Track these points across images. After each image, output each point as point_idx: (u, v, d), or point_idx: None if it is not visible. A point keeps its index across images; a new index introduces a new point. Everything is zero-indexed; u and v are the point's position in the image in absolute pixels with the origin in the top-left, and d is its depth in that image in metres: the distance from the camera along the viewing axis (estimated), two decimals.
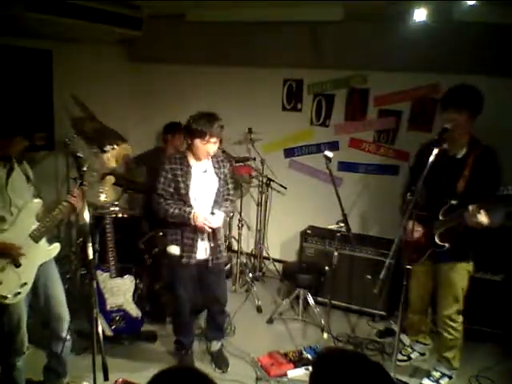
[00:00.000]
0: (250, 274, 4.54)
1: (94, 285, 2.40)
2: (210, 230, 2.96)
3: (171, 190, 2.95)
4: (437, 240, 2.89)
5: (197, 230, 2.96)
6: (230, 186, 3.16)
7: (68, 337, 2.68)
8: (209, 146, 2.89)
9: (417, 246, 2.94)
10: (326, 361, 1.35)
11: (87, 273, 3.72)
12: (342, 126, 4.59)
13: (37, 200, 2.54)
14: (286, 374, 3.17)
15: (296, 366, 3.21)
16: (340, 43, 4.13)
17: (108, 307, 3.28)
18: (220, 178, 3.04)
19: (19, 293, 2.43)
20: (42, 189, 2.71)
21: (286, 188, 4.71)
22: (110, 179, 2.85)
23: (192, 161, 2.98)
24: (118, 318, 3.31)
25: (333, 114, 4.60)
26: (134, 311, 3.37)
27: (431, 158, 2.63)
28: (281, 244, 4.99)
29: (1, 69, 3.84)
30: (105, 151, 2.88)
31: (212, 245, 3.03)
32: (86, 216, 2.40)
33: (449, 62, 3.76)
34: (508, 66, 3.57)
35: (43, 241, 2.55)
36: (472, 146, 2.85)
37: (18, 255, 2.40)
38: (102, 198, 2.86)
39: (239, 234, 4.55)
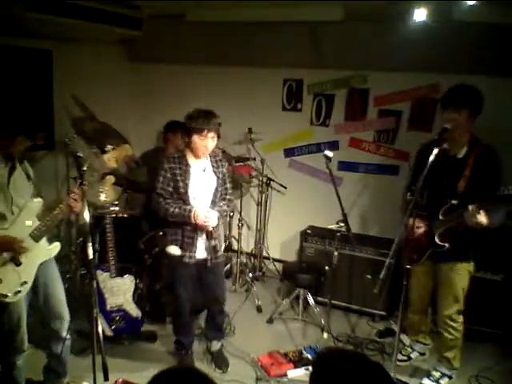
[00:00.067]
0: (250, 274, 4.54)
1: (94, 285, 2.39)
2: (210, 228, 2.96)
3: (170, 189, 2.95)
4: (437, 240, 2.89)
5: (197, 229, 2.96)
6: (229, 185, 3.16)
7: (68, 336, 2.68)
8: (207, 142, 2.90)
9: (417, 246, 2.94)
10: (326, 361, 1.35)
11: (87, 272, 3.72)
12: (342, 125, 4.59)
13: (37, 199, 2.54)
14: (286, 374, 3.17)
15: (296, 366, 3.21)
16: (340, 43, 4.13)
17: (108, 307, 3.28)
18: (218, 178, 3.05)
19: (19, 291, 2.43)
20: (42, 188, 2.71)
21: (286, 188, 4.72)
22: (110, 179, 2.86)
23: (191, 160, 2.99)
24: (118, 317, 3.31)
25: (333, 114, 4.60)
26: (134, 311, 3.37)
27: (431, 158, 2.63)
28: (281, 244, 4.99)
29: (1, 69, 3.84)
30: (105, 151, 2.88)
31: (211, 244, 3.03)
32: (86, 216, 2.40)
33: (449, 62, 3.76)
34: (508, 66, 3.57)
35: (43, 240, 2.55)
36: (472, 145, 2.85)
37: (21, 249, 2.41)
38: (102, 197, 2.86)
39: (239, 234, 4.55)
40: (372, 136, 4.48)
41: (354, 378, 1.25)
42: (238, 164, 4.62)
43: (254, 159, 4.71)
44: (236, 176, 4.48)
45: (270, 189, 4.73)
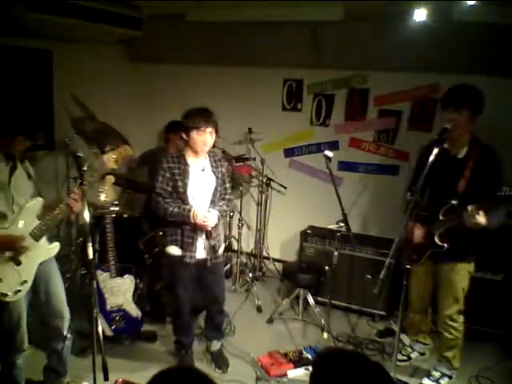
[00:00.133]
0: (250, 274, 4.54)
1: (94, 285, 2.40)
2: (209, 228, 2.96)
3: (169, 188, 2.95)
4: (437, 240, 2.89)
5: (196, 229, 2.96)
6: (228, 185, 3.16)
7: (68, 335, 2.69)
8: (206, 137, 2.90)
9: (417, 246, 2.94)
10: (326, 361, 1.35)
11: (87, 272, 3.72)
12: (342, 125, 4.59)
13: (38, 199, 2.55)
14: (286, 374, 3.17)
15: (296, 366, 3.21)
16: (340, 43, 4.13)
17: (108, 307, 3.28)
18: (217, 177, 3.05)
19: (19, 291, 2.43)
20: (42, 188, 2.72)
21: (286, 188, 4.72)
22: (110, 179, 2.85)
23: (190, 159, 2.99)
24: (118, 317, 3.31)
25: (333, 114, 4.60)
26: (134, 311, 3.37)
27: (431, 158, 2.63)
28: (281, 244, 4.99)
29: (1, 69, 3.84)
30: (104, 152, 2.88)
31: (210, 243, 3.03)
32: (86, 216, 2.40)
33: (449, 62, 3.76)
34: (508, 66, 3.57)
35: (43, 239, 2.55)
36: (473, 145, 2.85)
37: (21, 249, 2.41)
38: (102, 197, 2.86)
39: (239, 234, 4.55)
40: (372, 136, 4.48)
41: (354, 377, 1.25)
42: (238, 164, 4.62)
43: (254, 159, 4.71)
44: (236, 176, 4.49)
45: (269, 189, 4.73)
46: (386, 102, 4.36)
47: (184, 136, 2.96)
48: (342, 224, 3.30)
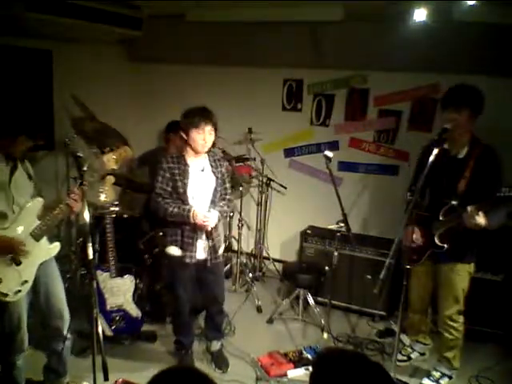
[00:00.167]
0: (250, 274, 4.54)
1: (94, 285, 2.40)
2: (209, 228, 2.96)
3: (169, 188, 2.95)
4: (436, 241, 2.88)
5: (196, 229, 2.96)
6: (228, 185, 3.16)
7: (68, 335, 2.69)
8: (205, 135, 2.91)
9: (417, 246, 2.94)
10: (326, 361, 1.35)
11: (87, 273, 3.72)
12: (342, 125, 4.59)
13: (38, 199, 2.55)
14: (286, 374, 3.16)
15: (296, 366, 3.21)
16: (340, 43, 4.13)
17: (108, 307, 3.28)
18: (217, 177, 3.05)
19: (20, 291, 2.44)
20: (42, 188, 2.72)
21: (286, 188, 4.72)
22: (110, 179, 2.85)
23: (189, 159, 2.99)
24: (118, 317, 3.31)
25: (333, 114, 4.60)
26: (134, 311, 3.37)
27: (431, 158, 2.63)
28: (281, 244, 4.99)
29: (1, 69, 3.84)
30: (104, 152, 2.88)
31: (210, 242, 3.03)
32: (86, 216, 2.40)
33: (449, 62, 3.76)
34: (508, 66, 3.57)
35: (44, 239, 2.56)
36: (473, 145, 2.84)
37: (21, 252, 2.41)
38: (102, 197, 2.85)
39: (239, 234, 4.55)
40: (372, 136, 4.48)
41: (354, 378, 1.25)
42: (238, 164, 4.62)
43: (254, 159, 4.71)
44: (236, 176, 4.48)
45: (269, 189, 4.73)
46: (386, 101, 4.36)
47: (183, 135, 2.96)
48: (342, 224, 3.30)
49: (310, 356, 3.32)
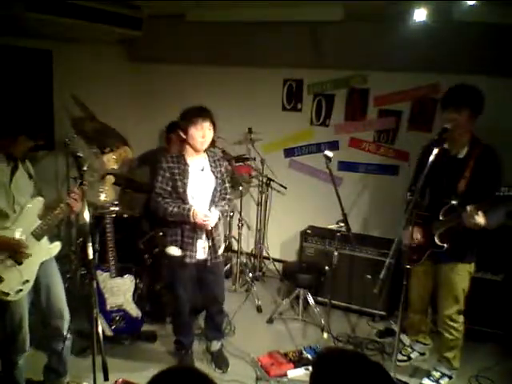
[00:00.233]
0: (250, 274, 4.54)
1: (94, 285, 2.40)
2: (209, 228, 2.96)
3: (169, 188, 2.95)
4: (436, 240, 2.88)
5: (196, 228, 2.96)
6: (228, 184, 3.16)
7: (69, 335, 2.69)
8: (204, 132, 2.91)
9: (417, 246, 2.94)
10: (326, 361, 1.35)
11: (87, 273, 3.72)
12: (342, 125, 4.59)
13: (39, 198, 2.56)
14: (286, 374, 3.17)
15: (296, 366, 3.21)
16: (340, 43, 4.13)
17: (108, 307, 3.28)
18: (217, 177, 3.05)
19: (21, 290, 2.44)
20: (42, 188, 2.72)
21: (286, 188, 4.72)
22: (110, 179, 2.86)
23: (189, 159, 2.99)
24: (118, 318, 3.31)
25: (333, 114, 4.60)
26: (134, 311, 3.37)
27: (431, 158, 2.63)
28: (281, 244, 4.99)
29: (1, 69, 3.84)
30: (104, 153, 2.89)
31: (211, 241, 3.03)
32: (86, 216, 2.41)
33: (449, 62, 3.76)
34: (508, 66, 3.57)
35: (45, 239, 2.56)
36: (473, 145, 2.84)
37: (23, 254, 2.41)
38: (102, 197, 2.86)
39: (239, 234, 4.55)
40: (372, 136, 4.48)
41: (354, 378, 1.25)
42: (238, 164, 4.62)
43: (254, 159, 4.71)
44: (236, 176, 4.49)
45: (269, 189, 4.73)
46: (386, 101, 4.36)
47: (182, 134, 2.96)
48: (342, 224, 3.30)
49: (310, 356, 3.33)
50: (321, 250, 4.19)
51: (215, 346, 3.34)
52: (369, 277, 3.86)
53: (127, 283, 3.35)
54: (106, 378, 2.31)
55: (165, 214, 2.93)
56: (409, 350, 3.46)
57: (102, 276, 3.27)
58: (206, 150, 3.06)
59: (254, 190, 4.94)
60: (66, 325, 2.69)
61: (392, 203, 4.10)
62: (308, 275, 3.91)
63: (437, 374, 3.14)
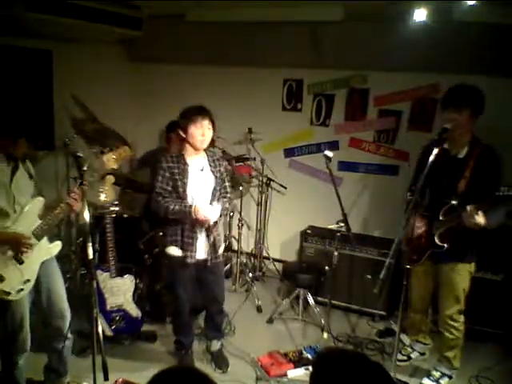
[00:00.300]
0: (250, 274, 4.54)
1: (94, 285, 2.39)
2: (211, 223, 2.96)
3: (169, 188, 2.95)
4: (437, 240, 2.88)
5: (197, 224, 2.95)
6: (228, 184, 3.16)
7: (69, 335, 2.69)
8: (203, 130, 2.92)
9: (417, 246, 2.94)
10: (326, 361, 1.35)
11: (87, 272, 3.72)
12: (342, 125, 4.59)
13: (39, 198, 2.56)
14: (286, 374, 3.16)
15: (296, 366, 3.21)
16: (340, 43, 4.13)
17: (108, 307, 3.28)
18: (216, 177, 3.05)
19: (22, 289, 2.45)
20: (42, 188, 2.72)
21: (286, 188, 4.72)
22: (110, 179, 2.85)
23: (189, 159, 3.00)
24: (118, 318, 3.31)
25: (333, 114, 4.60)
26: (134, 311, 3.37)
27: (431, 158, 2.63)
28: (281, 244, 4.99)
29: (1, 69, 3.84)
30: (104, 152, 2.88)
31: (211, 240, 3.02)
32: (86, 216, 2.41)
33: (449, 62, 3.76)
34: (508, 66, 3.57)
35: (45, 239, 2.57)
36: (473, 145, 2.84)
37: (28, 246, 2.42)
38: (102, 197, 2.85)
39: (239, 234, 4.55)
40: (372, 136, 4.48)
41: (355, 378, 1.25)
42: (238, 164, 4.62)
43: (254, 159, 4.71)
44: (236, 176, 4.49)
45: (269, 189, 4.73)
46: (386, 101, 4.36)
47: (182, 133, 2.96)
48: (342, 224, 3.30)
49: (310, 356, 3.32)
50: (321, 250, 4.19)
51: (215, 345, 3.34)
52: (369, 277, 3.86)
53: (127, 283, 3.35)
54: (106, 378, 2.31)
55: (166, 213, 2.93)
56: (409, 349, 3.46)
57: (102, 276, 3.27)
58: (205, 150, 3.07)
59: (254, 190, 4.94)
60: (67, 324, 2.69)
61: (392, 203, 4.10)
62: (308, 275, 3.91)
63: (437, 374, 3.14)
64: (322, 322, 3.75)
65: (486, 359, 3.39)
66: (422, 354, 3.46)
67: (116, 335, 3.32)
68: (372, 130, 4.47)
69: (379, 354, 3.48)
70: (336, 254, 3.51)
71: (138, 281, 3.48)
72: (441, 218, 2.86)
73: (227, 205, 3.14)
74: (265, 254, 4.86)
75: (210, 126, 2.96)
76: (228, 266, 4.64)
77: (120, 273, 3.32)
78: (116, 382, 2.67)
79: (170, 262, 3.06)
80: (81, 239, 3.90)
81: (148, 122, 5.13)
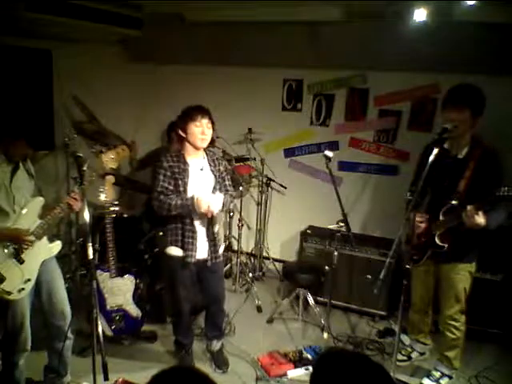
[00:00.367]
0: (250, 274, 4.54)
1: (94, 285, 2.40)
2: (215, 214, 2.95)
3: (171, 187, 2.95)
4: (437, 241, 2.88)
5: (200, 218, 2.95)
6: (228, 182, 3.16)
7: (70, 335, 2.69)
8: (203, 128, 2.93)
9: (417, 246, 2.94)
10: (327, 361, 1.35)
11: (87, 273, 3.73)
12: (342, 125, 4.59)
13: (39, 198, 2.57)
14: (286, 374, 3.17)
15: (296, 366, 3.21)
16: (340, 43, 4.13)
17: (108, 307, 3.28)
18: (216, 176, 3.05)
19: (23, 289, 2.46)
20: (42, 188, 2.73)
21: (285, 188, 4.72)
22: (110, 179, 2.86)
23: (189, 158, 3.00)
24: (117, 317, 3.31)
25: (333, 114, 4.61)
26: (134, 311, 3.37)
27: (431, 158, 2.63)
28: (281, 244, 4.99)
29: (1, 69, 3.84)
30: (103, 152, 2.89)
31: (213, 230, 3.03)
32: (86, 216, 2.41)
33: (449, 62, 3.75)
34: (508, 66, 3.56)
35: (44, 238, 2.57)
36: (474, 145, 2.84)
37: (28, 242, 2.42)
38: (102, 197, 2.86)
39: (239, 234, 4.55)
40: (372, 136, 4.48)
41: (355, 378, 1.25)
42: (238, 164, 4.62)
43: (254, 159, 4.71)
44: (236, 176, 4.49)
45: (269, 189, 4.73)
46: (386, 102, 4.36)
47: (181, 133, 2.97)
48: (342, 224, 3.31)
49: (310, 356, 3.32)
50: (321, 250, 4.19)
51: (215, 345, 3.34)
52: (369, 277, 3.86)
53: (127, 283, 3.34)
54: (106, 378, 2.31)
55: (169, 209, 2.91)
56: (409, 349, 3.46)
57: (102, 276, 3.27)
58: (204, 150, 3.07)
59: (254, 190, 4.94)
60: (67, 323, 2.69)
61: (392, 203, 4.10)
62: (308, 275, 3.91)
63: (437, 374, 3.14)
64: (322, 321, 3.75)
65: (486, 359, 3.39)
66: (422, 353, 3.46)
67: (116, 335, 3.32)
68: (372, 130, 4.47)
69: (379, 354, 3.48)
70: (336, 254, 3.51)
71: (138, 281, 3.48)
72: (441, 218, 2.86)
73: (229, 198, 3.12)
74: (265, 254, 4.86)
75: (210, 125, 2.97)
76: (228, 266, 4.65)
77: (120, 273, 3.32)
78: (116, 382, 2.67)
79: (170, 261, 3.06)
80: (81, 239, 3.91)
81: (148, 122, 5.13)
